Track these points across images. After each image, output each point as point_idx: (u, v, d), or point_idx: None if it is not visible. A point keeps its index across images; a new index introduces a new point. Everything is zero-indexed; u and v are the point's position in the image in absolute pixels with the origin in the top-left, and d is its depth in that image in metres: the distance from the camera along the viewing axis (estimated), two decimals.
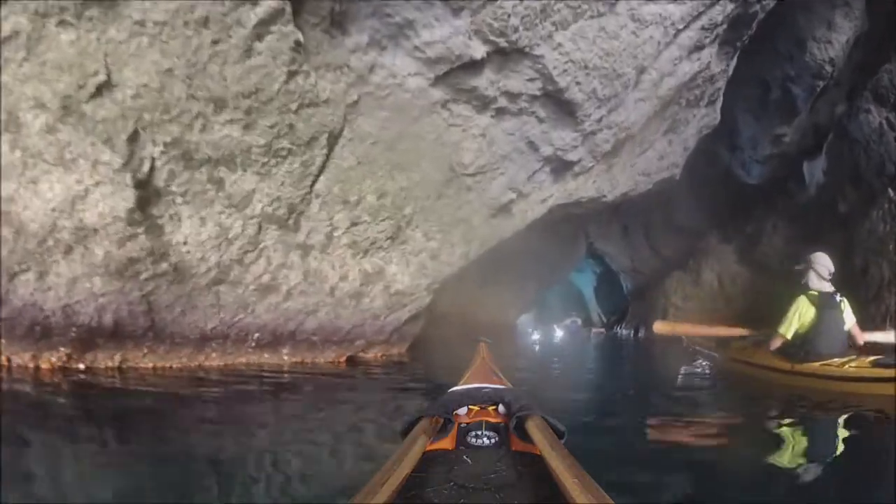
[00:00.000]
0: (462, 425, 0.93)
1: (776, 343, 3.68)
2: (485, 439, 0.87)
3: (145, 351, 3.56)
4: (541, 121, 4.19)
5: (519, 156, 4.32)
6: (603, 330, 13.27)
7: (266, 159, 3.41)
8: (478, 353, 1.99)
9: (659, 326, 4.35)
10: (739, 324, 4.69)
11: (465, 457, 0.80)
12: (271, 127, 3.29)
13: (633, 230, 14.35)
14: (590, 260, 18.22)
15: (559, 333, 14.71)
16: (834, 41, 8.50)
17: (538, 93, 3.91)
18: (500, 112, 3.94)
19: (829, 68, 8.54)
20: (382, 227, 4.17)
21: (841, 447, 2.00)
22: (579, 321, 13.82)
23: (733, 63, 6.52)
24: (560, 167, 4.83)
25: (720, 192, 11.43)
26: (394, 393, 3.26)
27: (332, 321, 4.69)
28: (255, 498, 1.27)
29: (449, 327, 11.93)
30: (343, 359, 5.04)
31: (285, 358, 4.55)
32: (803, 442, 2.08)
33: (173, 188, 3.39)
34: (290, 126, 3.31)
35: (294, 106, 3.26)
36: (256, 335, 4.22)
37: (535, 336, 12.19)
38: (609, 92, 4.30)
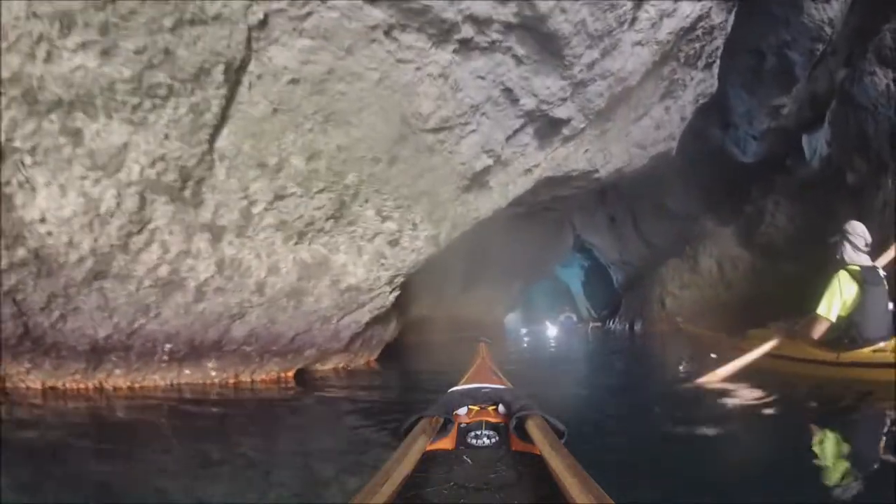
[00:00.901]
0: (462, 425, 0.93)
1: (820, 328, 3.08)
2: (485, 439, 0.86)
3: (27, 366, 2.96)
4: (519, 61, 3.28)
5: (494, 108, 3.40)
6: (600, 324, 12.47)
7: (137, 101, 2.42)
8: (478, 353, 1.91)
9: (707, 380, 3.32)
10: (760, 334, 3.90)
11: (465, 457, 0.80)
12: (138, 53, 2.31)
13: (620, 220, 13.68)
14: (577, 254, 17.62)
15: (552, 331, 13.85)
16: (831, 1, 7.90)
17: (514, 20, 3.00)
18: (466, 46, 3.01)
19: (828, 30, 7.92)
20: (319, 201, 3.19)
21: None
22: (574, 317, 12.96)
23: (731, 20, 5.78)
24: (546, 128, 3.94)
25: (713, 173, 10.81)
26: (347, 425, 2.42)
27: (266, 327, 3.69)
28: None
29: (432, 331, 10.99)
30: (290, 373, 4.02)
31: (212, 374, 3.54)
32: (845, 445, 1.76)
33: (17, 143, 2.45)
34: (166, 52, 2.34)
35: (169, 22, 2.28)
36: (168, 346, 3.35)
37: (525, 334, 11.33)
38: (602, 27, 3.43)
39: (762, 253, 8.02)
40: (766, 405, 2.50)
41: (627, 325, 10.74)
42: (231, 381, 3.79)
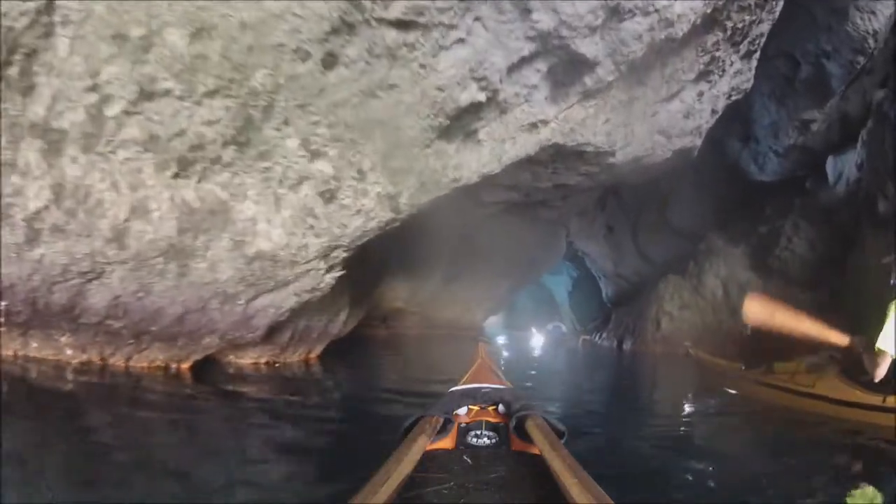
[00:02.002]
0: (462, 425, 0.92)
1: (883, 366, 2.63)
2: (485, 439, 0.86)
3: None
4: None
5: (495, 15, 2.31)
6: (589, 337, 11.49)
7: None
8: (477, 353, 1.86)
9: (754, 307, 3.22)
10: (789, 368, 3.48)
11: (465, 457, 0.79)
12: None
13: (619, 230, 12.78)
14: (566, 262, 16.78)
15: (538, 339, 12.83)
16: (878, 12, 7.10)
17: None
18: None
19: (871, 42, 7.12)
20: (210, 111, 2.07)
21: None
22: (563, 326, 11.96)
23: (779, 7, 5.00)
24: (564, 68, 2.87)
25: (725, 189, 9.96)
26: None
27: (137, 296, 2.57)
28: None
29: (406, 326, 9.85)
30: (186, 365, 3.31)
31: (68, 352, 2.42)
32: None
33: None
34: None
35: None
36: (2, 303, 2.51)
37: (504, 341, 10.32)
38: None
39: (775, 278, 7.15)
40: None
41: (616, 342, 9.80)
42: (97, 362, 2.87)
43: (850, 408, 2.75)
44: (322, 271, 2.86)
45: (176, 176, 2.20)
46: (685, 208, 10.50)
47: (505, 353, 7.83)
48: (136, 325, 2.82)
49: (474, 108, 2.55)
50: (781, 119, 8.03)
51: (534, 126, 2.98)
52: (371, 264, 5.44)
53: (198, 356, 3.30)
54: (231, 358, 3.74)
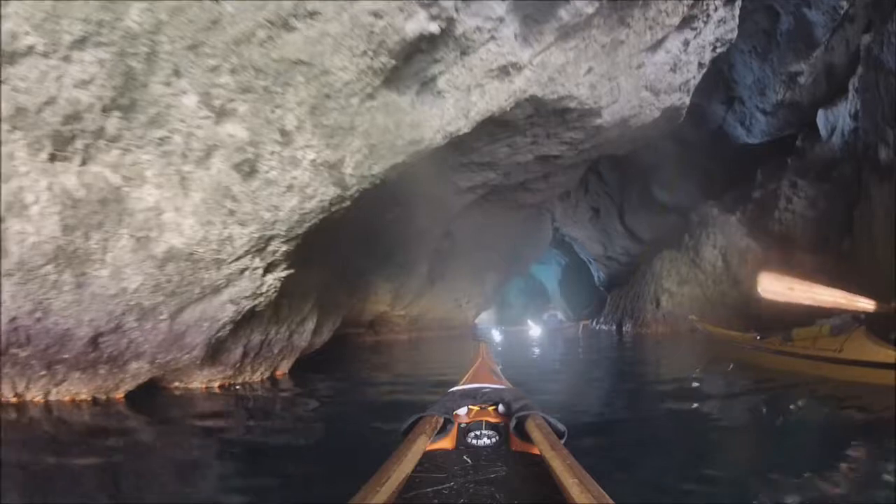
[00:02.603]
0: (462, 425, 0.91)
1: None
2: (485, 439, 0.86)
3: None
4: None
5: None
6: (589, 322, 10.96)
7: None
8: (477, 353, 1.83)
9: (769, 283, 2.96)
10: (810, 334, 3.22)
11: (465, 457, 0.79)
12: None
13: (605, 212, 12.40)
14: (554, 250, 16.42)
15: (536, 331, 12.34)
16: None
17: None
18: None
19: None
20: (83, 67, 1.51)
21: None
22: (559, 314, 11.44)
23: None
24: (536, 3, 2.35)
25: (710, 158, 9.63)
26: None
27: (35, 317, 2.01)
28: None
29: (393, 330, 9.30)
30: (118, 395, 2.78)
31: None
32: None
33: None
34: None
35: None
36: None
37: (497, 338, 9.82)
38: None
39: (777, 242, 6.78)
40: None
41: (615, 326, 9.38)
42: (12, 400, 2.43)
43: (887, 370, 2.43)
44: (259, 271, 2.31)
45: (52, 158, 1.64)
46: (671, 182, 10.12)
47: (499, 353, 7.27)
48: (44, 352, 2.25)
49: (427, 45, 2.02)
50: (766, 76, 7.68)
51: (504, 72, 2.46)
52: (342, 265, 4.88)
53: (128, 386, 2.72)
54: (177, 384, 3.16)
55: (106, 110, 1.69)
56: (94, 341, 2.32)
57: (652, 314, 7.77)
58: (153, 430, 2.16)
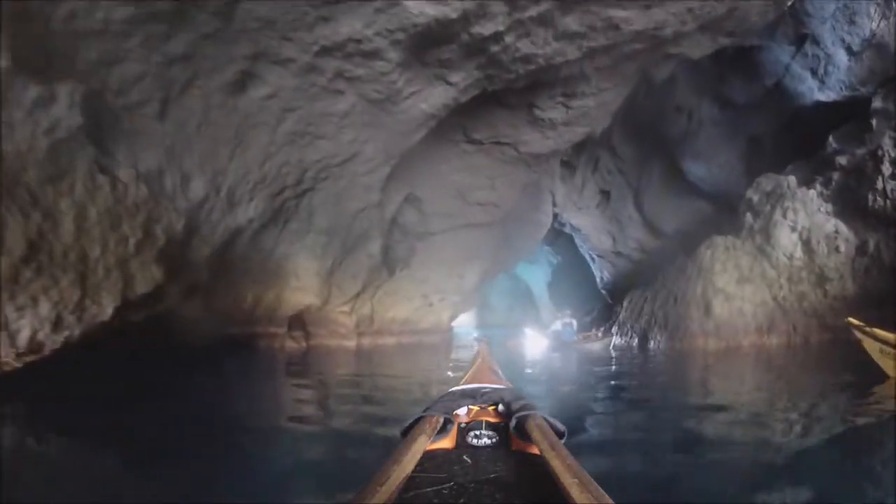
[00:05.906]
0: (462, 425, 0.92)
1: None
2: (485, 439, 0.86)
3: None
4: None
5: None
6: (612, 337, 7.99)
7: None
8: (478, 353, 1.90)
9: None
10: None
11: (465, 457, 0.79)
12: None
13: (617, 196, 10.23)
14: (545, 247, 14.22)
15: (537, 342, 9.47)
16: None
17: None
18: None
19: None
20: None
21: None
22: (575, 323, 8.72)
23: None
24: None
25: (763, 122, 7.59)
26: None
27: None
28: None
29: (334, 334, 6.74)
30: None
31: None
32: None
33: None
34: None
35: None
36: None
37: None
38: None
39: (877, 225, 4.66)
40: None
41: (636, 339, 7.09)
42: None
43: None
44: None
45: None
46: (709, 152, 8.00)
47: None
48: None
49: None
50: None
51: None
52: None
53: None
54: None
55: None
56: None
57: (700, 324, 5.54)
58: None
